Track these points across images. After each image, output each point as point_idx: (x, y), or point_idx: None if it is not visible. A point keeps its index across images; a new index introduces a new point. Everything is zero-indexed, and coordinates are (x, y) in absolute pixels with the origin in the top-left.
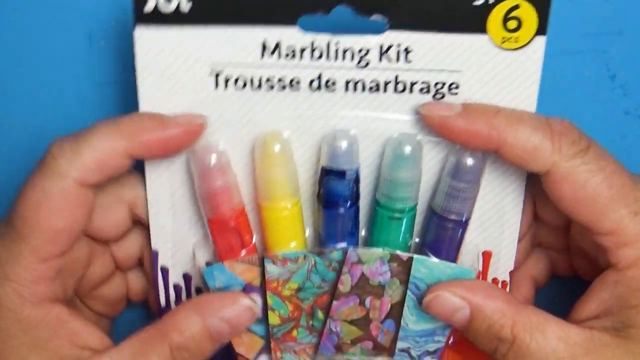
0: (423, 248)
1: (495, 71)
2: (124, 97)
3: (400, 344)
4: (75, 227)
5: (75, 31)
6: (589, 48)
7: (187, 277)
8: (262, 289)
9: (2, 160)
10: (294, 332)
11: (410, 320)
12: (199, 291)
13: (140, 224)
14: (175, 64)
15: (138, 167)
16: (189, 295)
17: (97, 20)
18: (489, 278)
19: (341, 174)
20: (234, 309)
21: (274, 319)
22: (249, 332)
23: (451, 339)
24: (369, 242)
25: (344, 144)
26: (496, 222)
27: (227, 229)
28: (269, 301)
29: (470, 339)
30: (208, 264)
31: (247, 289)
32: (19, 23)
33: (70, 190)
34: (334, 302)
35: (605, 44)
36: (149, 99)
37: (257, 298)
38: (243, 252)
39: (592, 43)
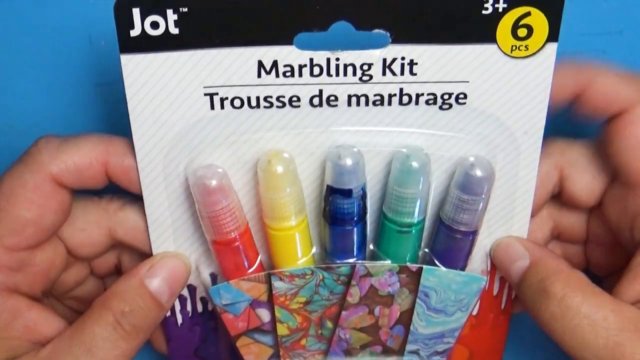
0: (432, 257)
1: (505, 80)
2: (124, 98)
3: (409, 347)
4: (44, 222)
5: (75, 31)
6: (589, 48)
7: (191, 288)
8: (270, 304)
9: (2, 160)
10: (303, 341)
11: (420, 325)
12: (203, 301)
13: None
14: (166, 89)
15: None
16: (193, 304)
17: (97, 20)
18: (497, 276)
19: (347, 193)
20: (167, 266)
21: (282, 330)
22: (258, 342)
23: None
24: (377, 255)
25: (348, 162)
26: (504, 225)
27: (232, 250)
28: (277, 314)
29: (519, 295)
30: (212, 275)
31: (254, 305)
32: (19, 23)
33: (45, 183)
34: (343, 312)
35: (605, 44)
36: (141, 125)
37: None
38: (250, 271)
39: (592, 43)
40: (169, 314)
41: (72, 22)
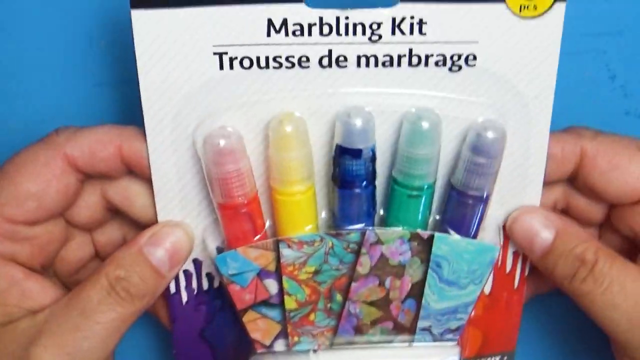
0: (444, 225)
1: (514, 40)
2: (124, 97)
3: (421, 323)
4: (46, 199)
5: (75, 31)
6: (589, 48)
7: (197, 263)
8: (278, 274)
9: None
10: (312, 316)
11: (432, 299)
12: (209, 276)
13: (121, 214)
14: (175, 47)
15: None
16: (199, 281)
17: (97, 20)
18: (510, 252)
19: (357, 153)
20: (168, 235)
21: (290, 303)
22: (265, 317)
23: (472, 313)
24: (387, 221)
25: (358, 122)
26: (516, 195)
27: (239, 215)
28: (285, 285)
29: (545, 267)
30: (218, 249)
31: (262, 274)
32: (20, 23)
33: (57, 161)
34: (353, 284)
35: (605, 44)
36: (150, 86)
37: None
38: (255, 239)
39: (592, 43)
40: (173, 290)
41: (72, 21)
